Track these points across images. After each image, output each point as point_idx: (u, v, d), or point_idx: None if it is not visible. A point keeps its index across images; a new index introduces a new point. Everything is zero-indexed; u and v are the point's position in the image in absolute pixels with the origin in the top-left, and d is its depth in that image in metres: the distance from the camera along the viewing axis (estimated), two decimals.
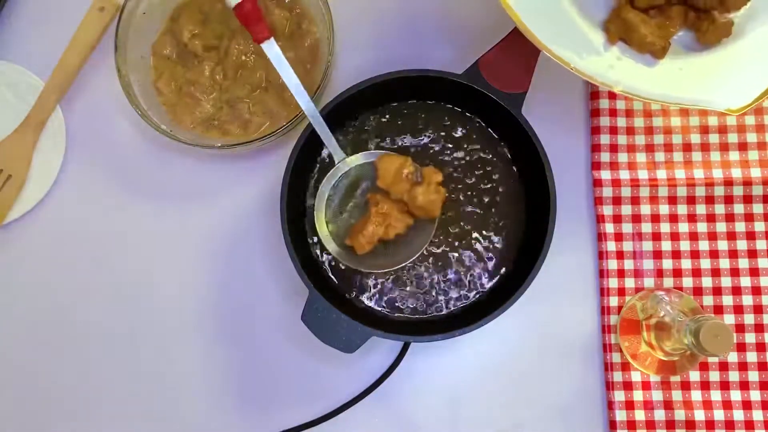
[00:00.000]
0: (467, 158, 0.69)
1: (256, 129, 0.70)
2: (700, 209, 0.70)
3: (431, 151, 0.69)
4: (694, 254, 0.70)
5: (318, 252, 0.68)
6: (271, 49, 0.61)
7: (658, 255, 0.70)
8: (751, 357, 0.68)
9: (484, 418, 0.69)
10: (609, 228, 0.70)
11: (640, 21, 0.60)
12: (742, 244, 0.70)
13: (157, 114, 0.68)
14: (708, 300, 0.69)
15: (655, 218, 0.70)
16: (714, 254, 0.70)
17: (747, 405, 0.67)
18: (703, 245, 0.70)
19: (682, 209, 0.70)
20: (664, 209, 0.70)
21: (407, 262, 0.65)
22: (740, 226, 0.70)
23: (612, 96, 0.71)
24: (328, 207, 0.65)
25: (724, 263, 0.69)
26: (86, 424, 0.69)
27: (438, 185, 0.64)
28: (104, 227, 0.72)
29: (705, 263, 0.69)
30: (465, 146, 0.69)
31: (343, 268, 0.68)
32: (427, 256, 0.68)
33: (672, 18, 0.62)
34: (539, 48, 0.58)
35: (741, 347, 0.68)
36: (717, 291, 0.69)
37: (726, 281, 0.69)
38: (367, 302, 0.67)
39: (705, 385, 0.68)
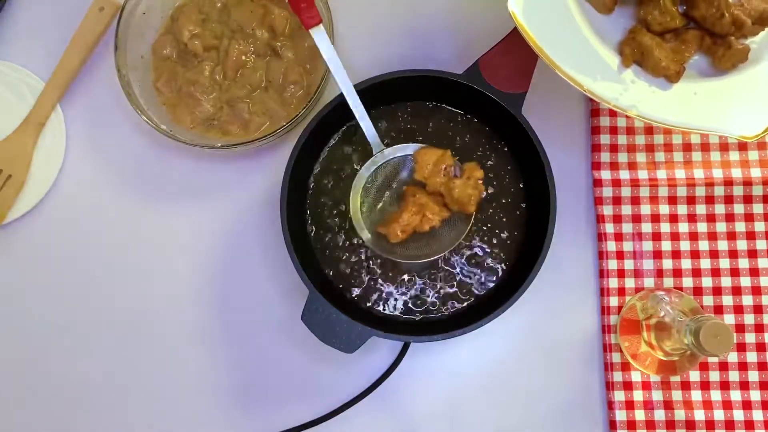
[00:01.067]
0: (466, 159, 0.69)
1: (256, 129, 0.70)
2: (700, 209, 0.70)
3: None
4: (694, 254, 0.70)
5: (318, 251, 0.68)
6: (320, 35, 0.61)
7: (658, 255, 0.70)
8: (751, 357, 0.68)
9: (484, 418, 0.69)
10: (609, 228, 0.70)
11: (655, 44, 0.60)
12: (742, 244, 0.70)
13: (157, 114, 0.68)
14: (708, 300, 0.69)
15: (655, 218, 0.70)
16: (714, 254, 0.70)
17: (747, 405, 0.67)
18: (703, 245, 0.70)
19: (682, 209, 0.70)
20: (664, 209, 0.70)
21: (438, 256, 0.65)
22: (740, 226, 0.70)
23: None
24: (363, 197, 0.65)
25: (724, 263, 0.69)
26: (86, 423, 0.69)
27: (477, 182, 0.63)
28: (104, 227, 0.72)
29: (705, 263, 0.69)
30: (464, 147, 0.69)
31: (342, 268, 0.68)
32: None
33: (688, 42, 0.62)
34: (554, 69, 0.58)
35: (741, 347, 0.68)
36: (717, 291, 0.69)
37: (726, 281, 0.69)
38: (367, 302, 0.67)
39: (705, 385, 0.68)
